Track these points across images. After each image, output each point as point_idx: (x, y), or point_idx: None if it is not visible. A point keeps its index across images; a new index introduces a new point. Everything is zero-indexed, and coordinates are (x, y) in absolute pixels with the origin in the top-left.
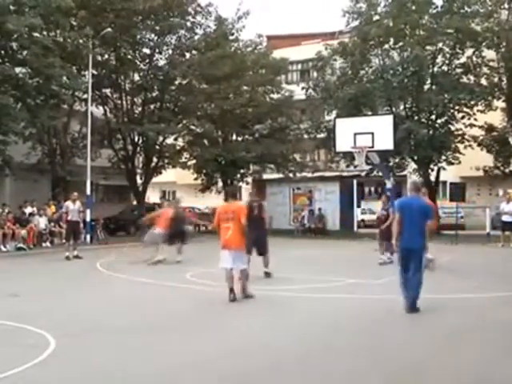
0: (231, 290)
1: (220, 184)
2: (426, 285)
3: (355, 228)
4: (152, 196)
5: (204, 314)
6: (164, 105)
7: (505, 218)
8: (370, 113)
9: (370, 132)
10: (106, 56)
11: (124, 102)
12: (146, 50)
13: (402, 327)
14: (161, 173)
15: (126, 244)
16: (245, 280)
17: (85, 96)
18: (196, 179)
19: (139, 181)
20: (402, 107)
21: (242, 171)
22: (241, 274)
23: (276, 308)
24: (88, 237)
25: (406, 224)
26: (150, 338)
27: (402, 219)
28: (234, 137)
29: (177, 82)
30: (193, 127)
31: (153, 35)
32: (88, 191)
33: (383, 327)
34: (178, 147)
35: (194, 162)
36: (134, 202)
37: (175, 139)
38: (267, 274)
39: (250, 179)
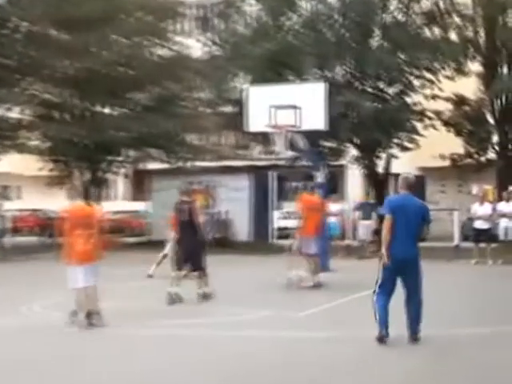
0: (89, 315)
1: (79, 176)
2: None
3: (270, 238)
4: None
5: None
6: (1, 61)
7: (478, 225)
8: (294, 78)
9: (294, 106)
10: None
11: None
12: None
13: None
14: None
15: None
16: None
17: None
18: (42, 170)
19: None
20: (339, 71)
21: (112, 158)
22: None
23: (157, 354)
24: None
25: (399, 229)
26: None
27: (394, 223)
28: (103, 109)
29: (23, 29)
30: (45, 95)
31: None
32: None
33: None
34: (19, 122)
35: (46, 144)
36: None
37: (19, 112)
38: (204, 296)
39: (128, 170)
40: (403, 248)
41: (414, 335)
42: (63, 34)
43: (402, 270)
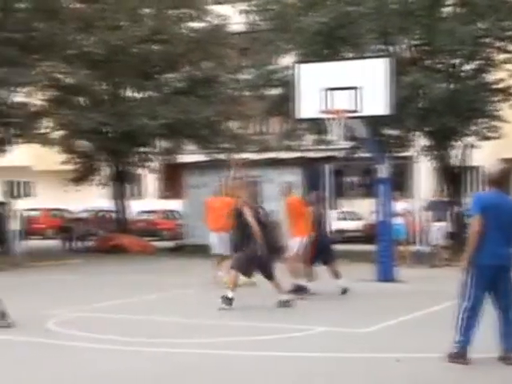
0: None
1: (106, 171)
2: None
3: None
4: None
5: None
6: (6, 35)
7: None
8: (352, 55)
9: (352, 87)
10: None
11: None
12: None
13: None
14: (4, 151)
15: None
16: None
17: None
18: (65, 163)
19: None
20: (405, 46)
21: (142, 150)
22: None
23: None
24: None
25: (492, 232)
26: None
27: (485, 225)
28: (129, 93)
29: None
30: (59, 75)
31: None
32: None
33: None
34: (33, 108)
35: (61, 133)
36: None
37: (28, 95)
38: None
39: (158, 163)
40: (497, 254)
41: (509, 355)
42: (83, 4)
43: (495, 280)
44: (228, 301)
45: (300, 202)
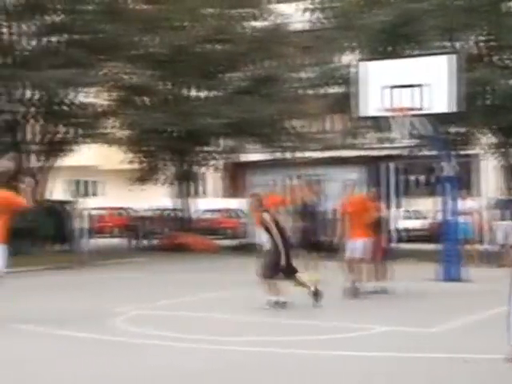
0: None
1: (171, 170)
2: None
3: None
4: (57, 191)
5: None
6: (74, 37)
7: None
8: (416, 52)
9: (416, 84)
10: None
11: (5, 30)
12: None
13: None
14: (71, 151)
15: None
16: None
17: None
18: (130, 162)
19: (34, 164)
20: (471, 42)
21: (205, 149)
22: None
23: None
24: None
25: None
26: None
27: None
28: (193, 92)
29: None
30: (124, 76)
31: None
32: None
33: None
34: (99, 109)
35: (126, 133)
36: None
37: (95, 95)
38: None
39: (220, 162)
40: None
41: None
42: (147, 5)
43: None
44: (282, 304)
45: (364, 200)
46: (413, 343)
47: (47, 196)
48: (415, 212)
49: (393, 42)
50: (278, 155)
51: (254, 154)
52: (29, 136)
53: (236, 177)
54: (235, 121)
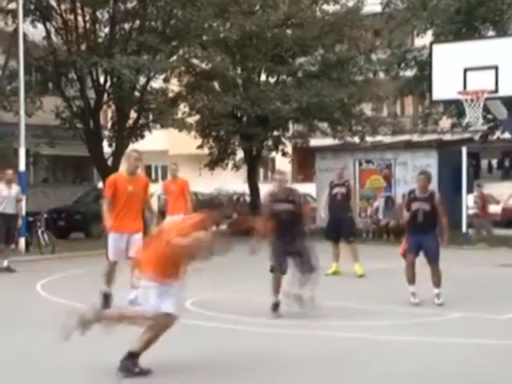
0: None
1: (240, 155)
2: None
3: (464, 228)
4: None
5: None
6: (147, 24)
7: None
8: (492, 33)
9: (491, 66)
10: None
11: (80, 18)
12: None
13: None
14: (143, 136)
15: None
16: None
17: (12, 5)
18: (200, 147)
19: (107, 149)
20: None
21: (275, 133)
22: None
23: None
24: (22, 241)
25: None
26: None
27: None
28: (263, 77)
29: None
30: (195, 61)
31: None
32: (22, 166)
33: None
34: (170, 94)
35: (196, 118)
36: (100, 184)
37: (166, 81)
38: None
39: (289, 147)
40: None
41: None
42: None
43: None
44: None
45: None
46: (486, 329)
47: None
48: (490, 197)
49: (468, 23)
50: (348, 139)
51: (323, 139)
52: (102, 122)
53: (305, 161)
54: (305, 105)
